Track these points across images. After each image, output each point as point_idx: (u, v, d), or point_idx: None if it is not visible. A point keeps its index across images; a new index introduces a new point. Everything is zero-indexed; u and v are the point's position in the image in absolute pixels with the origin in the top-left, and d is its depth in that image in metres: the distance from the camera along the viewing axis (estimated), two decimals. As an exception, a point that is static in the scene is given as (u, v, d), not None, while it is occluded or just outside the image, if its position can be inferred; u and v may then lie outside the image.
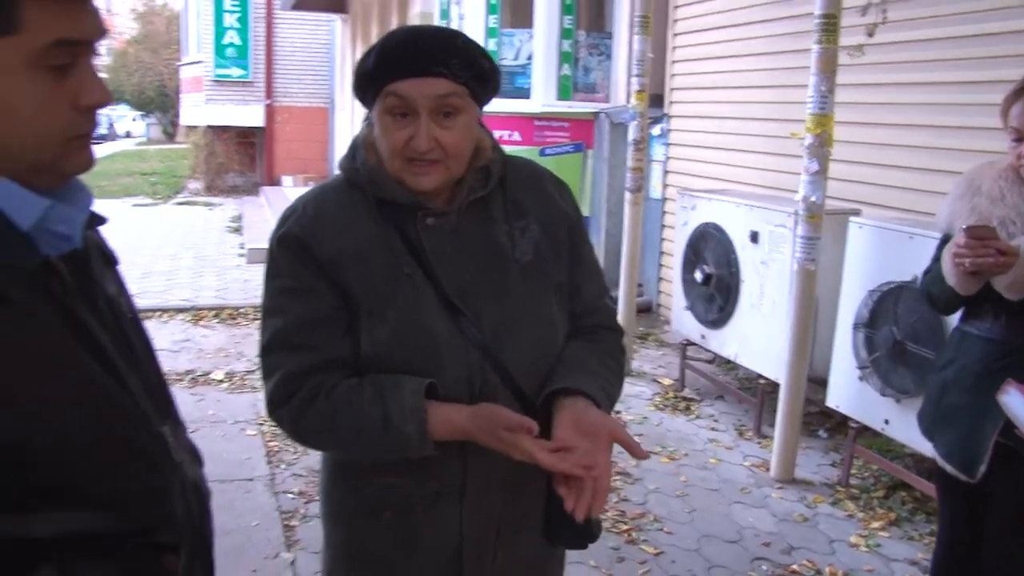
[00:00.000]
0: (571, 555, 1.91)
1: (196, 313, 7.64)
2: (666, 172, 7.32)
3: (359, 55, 10.02)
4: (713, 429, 4.98)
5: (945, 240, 2.43)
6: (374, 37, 12.75)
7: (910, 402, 3.66)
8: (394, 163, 1.46)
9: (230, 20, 17.03)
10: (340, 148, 16.36)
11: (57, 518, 1.00)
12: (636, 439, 4.69)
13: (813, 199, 4.04)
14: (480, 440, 1.42)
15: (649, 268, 7.46)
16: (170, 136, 30.52)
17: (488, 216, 1.55)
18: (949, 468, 2.42)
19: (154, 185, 18.62)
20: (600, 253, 7.55)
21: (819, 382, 4.52)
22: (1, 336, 0.93)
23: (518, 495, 1.58)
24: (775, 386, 4.48)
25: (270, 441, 4.73)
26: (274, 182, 17.39)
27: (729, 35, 6.38)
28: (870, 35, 3.86)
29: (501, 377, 1.49)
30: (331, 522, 1.68)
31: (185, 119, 19.69)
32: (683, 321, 5.57)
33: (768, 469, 4.34)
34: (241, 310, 7.74)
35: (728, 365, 5.76)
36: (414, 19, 10.20)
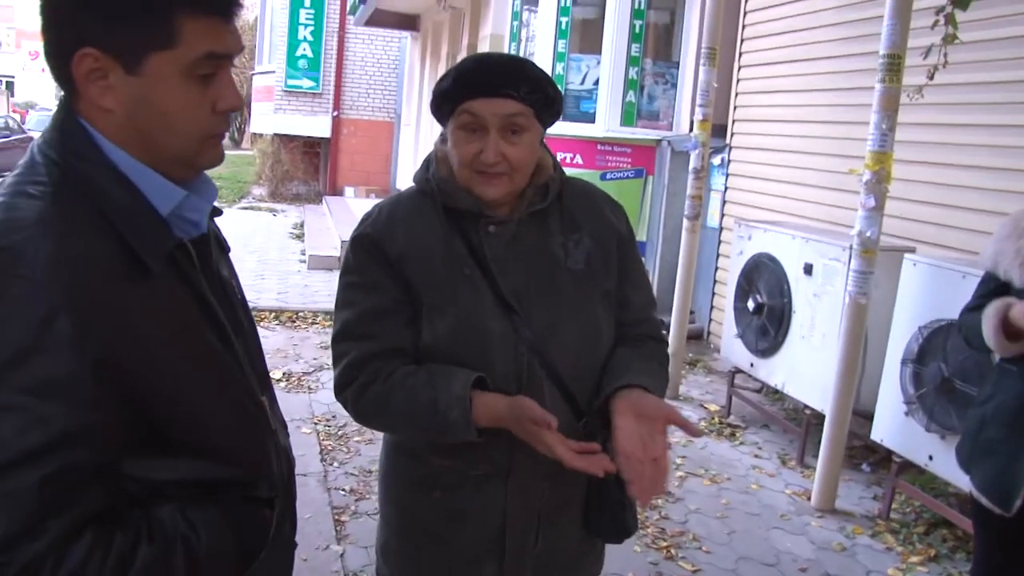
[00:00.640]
0: (610, 567, 2.01)
1: (257, 314, 7.86)
2: (724, 202, 7.40)
3: (428, 72, 10.24)
4: (757, 456, 5.04)
5: (987, 280, 2.51)
6: (444, 55, 13.05)
7: (955, 439, 3.69)
8: (463, 173, 1.63)
9: (304, 33, 17.45)
10: (403, 162, 16.63)
11: (175, 465, 1.16)
12: (679, 461, 4.76)
13: (868, 234, 4.10)
14: (513, 429, 1.56)
15: (702, 295, 7.54)
16: (236, 143, 31.21)
17: (545, 228, 1.70)
18: (985, 501, 2.48)
19: (220, 189, 19.02)
20: (654, 278, 7.64)
21: (865, 416, 4.56)
22: (145, 303, 1.10)
23: (560, 483, 1.71)
24: (821, 417, 4.54)
25: (324, 440, 4.91)
26: (336, 192, 17.71)
27: (794, 70, 6.46)
28: (931, 77, 3.93)
29: (547, 372, 1.64)
30: (387, 500, 1.84)
31: (254, 126, 20.15)
32: (733, 349, 5.64)
33: (809, 498, 4.40)
34: (300, 314, 7.96)
35: (775, 395, 5.81)
36: (484, 40, 10.41)
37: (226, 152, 1.46)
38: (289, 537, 1.39)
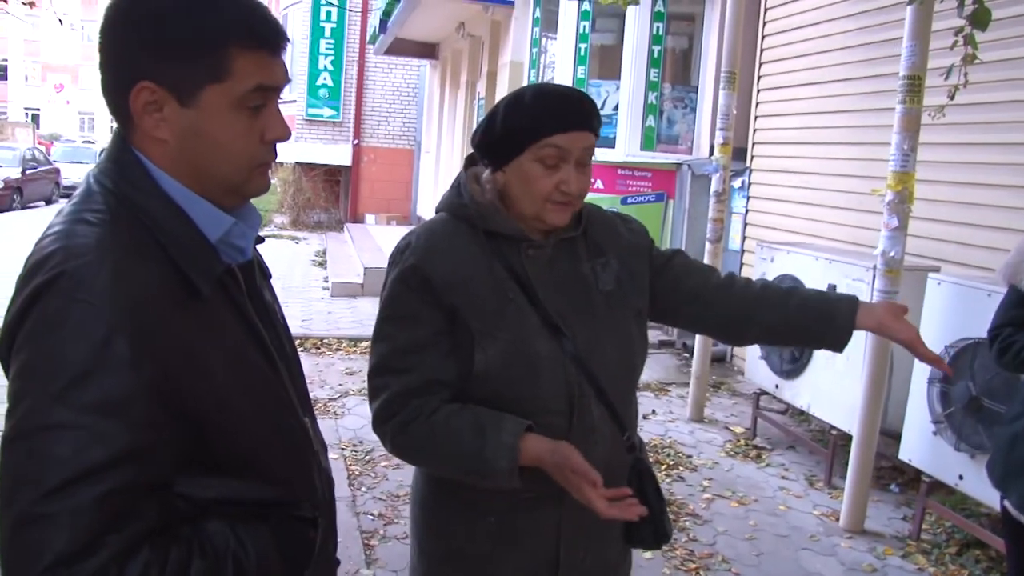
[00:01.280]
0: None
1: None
2: (746, 224, 7.41)
3: (447, 100, 10.31)
4: (784, 477, 5.02)
5: (1011, 293, 2.52)
6: (463, 83, 13.17)
7: (984, 458, 3.67)
8: (536, 204, 1.64)
9: (324, 62, 17.67)
10: (424, 189, 16.74)
11: (223, 484, 1.19)
12: (705, 483, 4.75)
13: (892, 254, 4.11)
14: (551, 473, 1.56)
15: (725, 318, 7.51)
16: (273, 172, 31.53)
17: (574, 253, 1.75)
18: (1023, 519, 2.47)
19: (242, 218, 19.19)
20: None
21: (893, 436, 4.55)
22: (197, 325, 1.14)
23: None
24: (847, 438, 4.52)
25: (351, 465, 4.93)
26: (358, 219, 17.85)
27: (812, 92, 6.49)
28: (951, 97, 3.95)
29: (594, 390, 1.67)
30: (425, 528, 1.81)
31: (275, 155, 20.32)
32: (757, 371, 5.63)
33: (838, 519, 4.38)
34: (324, 340, 8.02)
35: (801, 416, 5.80)
36: (503, 67, 10.50)
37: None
38: (332, 555, 1.42)
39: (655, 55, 8.29)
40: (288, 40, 1.22)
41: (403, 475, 4.73)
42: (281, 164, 19.01)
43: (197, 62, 1.14)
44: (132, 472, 1.04)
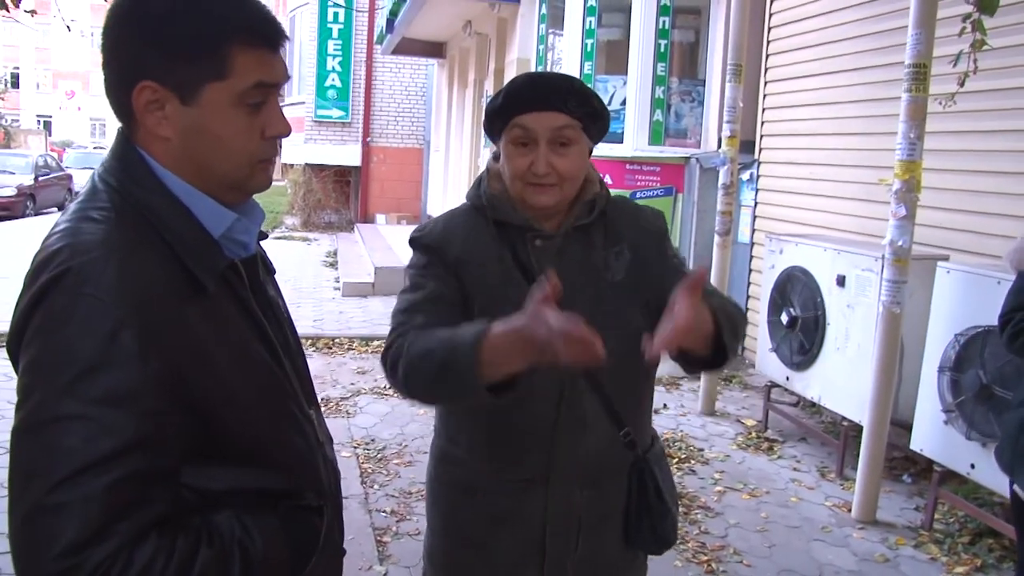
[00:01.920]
0: (651, 576, 2.03)
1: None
2: (755, 216, 7.40)
3: (455, 98, 10.36)
4: (795, 469, 5.02)
5: (1022, 281, 2.52)
6: (471, 81, 13.19)
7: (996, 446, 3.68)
8: (516, 185, 1.70)
9: (332, 63, 17.70)
10: (434, 188, 16.77)
11: (229, 474, 1.21)
12: (716, 476, 4.75)
13: (900, 243, 4.11)
14: (526, 346, 1.40)
15: (735, 311, 7.51)
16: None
17: (589, 242, 1.77)
18: (1030, 503, 2.48)
19: (254, 220, 19.27)
20: (686, 295, 7.62)
21: (904, 426, 4.54)
22: (202, 318, 1.16)
23: (599, 491, 1.76)
24: (859, 429, 4.52)
25: (364, 463, 4.96)
26: (368, 220, 17.89)
27: (820, 83, 6.48)
28: (961, 84, 3.94)
29: (589, 381, 1.69)
30: (433, 506, 1.90)
31: (285, 157, 20.44)
32: (768, 363, 5.63)
33: (850, 510, 4.37)
34: (336, 340, 8.05)
35: (812, 408, 5.79)
36: (510, 65, 10.52)
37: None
38: (338, 544, 1.44)
39: (662, 49, 8.28)
40: (287, 37, 1.24)
41: (415, 472, 4.75)
42: (291, 166, 19.09)
43: (198, 61, 1.16)
44: (140, 462, 1.07)
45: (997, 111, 4.66)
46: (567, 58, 8.71)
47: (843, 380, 4.84)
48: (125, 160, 1.21)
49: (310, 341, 7.93)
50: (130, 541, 1.04)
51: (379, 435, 5.40)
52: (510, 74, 10.50)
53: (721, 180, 6.04)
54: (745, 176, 7.36)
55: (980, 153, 4.80)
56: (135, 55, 1.17)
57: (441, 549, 1.87)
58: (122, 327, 1.07)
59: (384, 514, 4.29)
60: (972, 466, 3.90)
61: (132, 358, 1.06)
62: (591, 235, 1.77)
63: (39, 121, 48.36)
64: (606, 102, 1.75)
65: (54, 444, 1.04)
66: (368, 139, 18.07)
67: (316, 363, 7.23)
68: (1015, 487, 2.56)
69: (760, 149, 7.36)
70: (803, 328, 5.19)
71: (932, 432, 4.16)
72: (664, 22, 8.28)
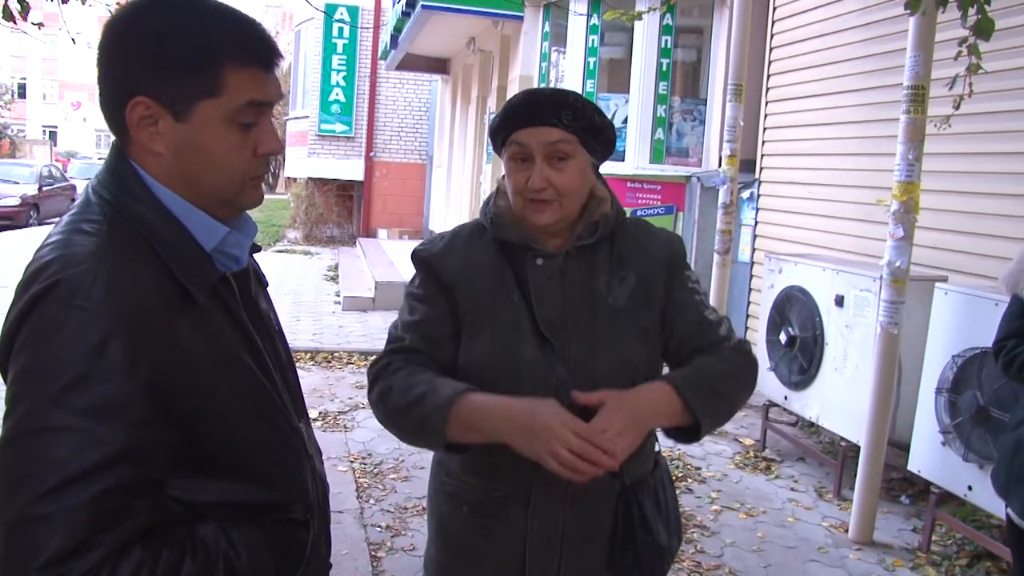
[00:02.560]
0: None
1: (293, 355, 7.93)
2: (755, 236, 7.41)
3: (459, 114, 10.41)
4: (793, 489, 5.01)
5: (1016, 306, 2.52)
6: (474, 97, 13.23)
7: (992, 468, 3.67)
8: (517, 201, 1.71)
9: (336, 78, 17.76)
10: (436, 204, 16.79)
11: (216, 487, 1.22)
12: (713, 495, 4.73)
13: (898, 264, 4.11)
14: (517, 438, 1.53)
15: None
16: (271, 187, 31.69)
17: (593, 264, 1.75)
18: (1024, 526, 2.47)
19: (255, 233, 19.30)
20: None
21: (902, 447, 4.53)
22: (191, 331, 1.17)
23: (583, 512, 1.74)
24: (857, 449, 4.51)
25: (360, 477, 4.95)
26: (370, 234, 17.90)
27: (820, 104, 6.50)
28: (956, 107, 3.96)
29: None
30: (431, 514, 1.93)
31: (288, 171, 20.46)
32: (766, 382, 5.62)
33: (847, 531, 4.36)
34: (335, 354, 8.04)
35: (810, 428, 5.78)
36: (513, 82, 10.56)
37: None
38: (324, 558, 1.44)
39: (664, 68, 8.32)
40: (281, 56, 1.25)
41: (411, 488, 4.74)
42: (294, 180, 19.12)
43: (191, 78, 1.18)
44: (126, 473, 1.07)
45: (995, 133, 4.68)
46: (570, 76, 8.75)
47: (841, 400, 4.84)
48: (119, 173, 1.22)
49: (309, 355, 7.93)
50: (115, 553, 1.05)
51: (376, 449, 5.39)
52: (513, 91, 10.53)
53: (721, 199, 6.06)
54: (745, 195, 7.38)
55: (978, 175, 4.81)
56: (129, 71, 1.18)
57: (437, 555, 1.89)
58: (111, 339, 1.07)
59: (379, 529, 4.28)
60: (969, 487, 3.89)
61: (120, 370, 1.07)
62: (596, 257, 1.75)
63: (44, 131, 48.61)
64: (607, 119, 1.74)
65: (41, 455, 1.04)
66: (371, 154, 18.09)
67: (315, 377, 7.23)
68: (1009, 511, 2.55)
69: (760, 168, 7.37)
70: (802, 348, 5.19)
71: (930, 453, 4.15)
72: (666, 41, 8.34)
